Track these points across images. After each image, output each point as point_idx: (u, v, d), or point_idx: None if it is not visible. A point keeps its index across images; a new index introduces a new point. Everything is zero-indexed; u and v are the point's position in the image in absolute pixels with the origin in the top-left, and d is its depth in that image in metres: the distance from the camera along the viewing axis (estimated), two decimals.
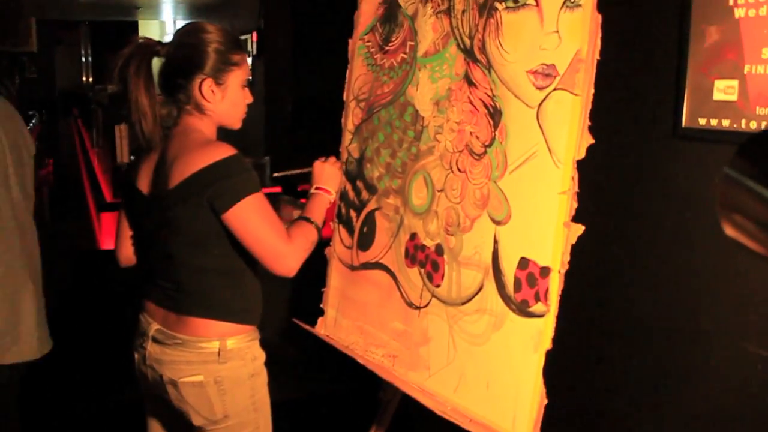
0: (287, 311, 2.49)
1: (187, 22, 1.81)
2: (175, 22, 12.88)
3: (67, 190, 7.58)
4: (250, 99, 1.75)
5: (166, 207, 1.62)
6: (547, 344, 1.56)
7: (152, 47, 1.68)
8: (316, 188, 1.91)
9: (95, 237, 4.03)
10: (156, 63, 1.72)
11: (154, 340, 1.69)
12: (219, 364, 1.63)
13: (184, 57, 1.67)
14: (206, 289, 1.66)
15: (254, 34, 8.03)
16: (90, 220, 4.17)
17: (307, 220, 1.77)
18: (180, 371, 1.64)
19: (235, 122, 1.75)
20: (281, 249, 1.61)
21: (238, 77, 1.69)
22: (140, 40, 1.70)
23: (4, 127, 2.08)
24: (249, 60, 1.70)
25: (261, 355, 1.73)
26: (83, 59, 14.97)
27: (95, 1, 9.64)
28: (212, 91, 1.66)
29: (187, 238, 1.63)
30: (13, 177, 2.08)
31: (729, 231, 0.64)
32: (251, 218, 1.58)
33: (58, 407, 2.97)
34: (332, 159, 2.00)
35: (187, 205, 1.59)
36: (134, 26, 13.79)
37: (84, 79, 14.91)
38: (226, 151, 1.59)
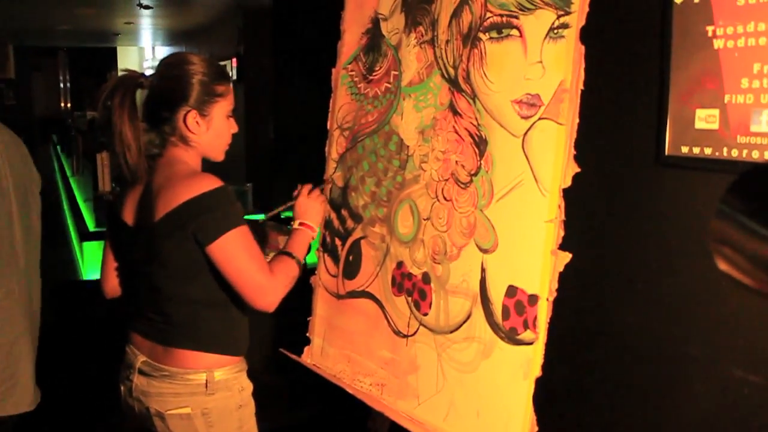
0: (273, 340, 2.47)
1: (169, 52, 1.82)
2: (153, 49, 12.89)
3: (46, 219, 7.49)
4: (235, 129, 1.77)
5: (152, 239, 1.62)
6: (537, 371, 1.56)
7: (135, 79, 1.68)
8: (300, 224, 1.91)
9: (77, 267, 3.99)
10: (140, 93, 1.71)
11: (141, 372, 1.68)
12: (206, 395, 1.63)
13: (168, 89, 1.68)
14: (194, 321, 1.66)
15: (234, 60, 8.07)
16: (72, 250, 4.13)
17: (289, 255, 1.77)
18: (167, 403, 1.64)
19: (219, 154, 1.77)
20: (262, 283, 1.61)
21: (222, 108, 1.71)
22: (123, 72, 1.71)
23: (8, 158, 1.93)
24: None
25: (248, 386, 1.73)
26: (61, 85, 14.92)
27: (73, 28, 9.63)
28: (197, 123, 1.67)
29: (174, 271, 1.63)
30: (16, 215, 1.92)
31: (722, 266, 0.65)
32: (234, 252, 1.59)
33: None
34: (315, 193, 1.96)
35: (173, 238, 1.59)
36: (113, 52, 13.80)
37: (62, 105, 14.85)
38: (211, 183, 1.59)
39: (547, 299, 1.54)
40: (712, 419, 1.44)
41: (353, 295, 2.10)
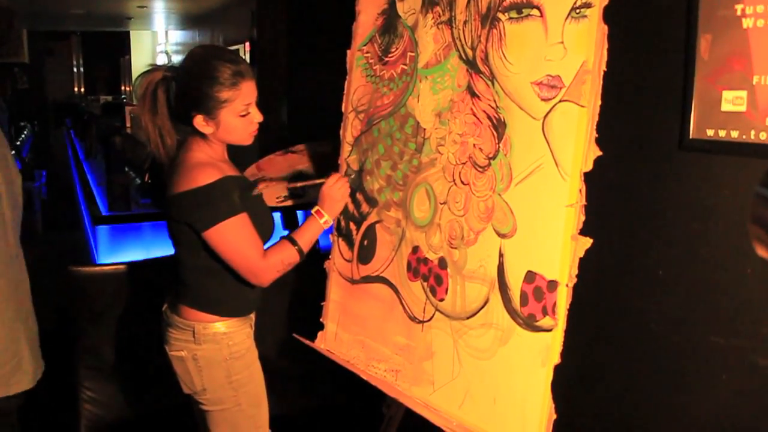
0: (287, 325, 2.46)
1: (182, 36, 1.92)
2: (167, 33, 12.86)
3: (60, 202, 7.51)
4: (258, 118, 1.90)
5: (165, 211, 1.91)
6: (556, 359, 1.53)
7: (156, 76, 1.87)
8: (317, 210, 2.02)
9: (90, 250, 3.99)
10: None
11: (162, 319, 1.99)
12: (195, 344, 1.90)
13: (181, 94, 1.86)
14: (194, 283, 1.92)
15: (247, 44, 8.03)
16: (85, 233, 4.13)
17: (292, 241, 1.93)
18: (171, 346, 1.94)
19: (241, 141, 1.92)
20: (254, 265, 1.86)
21: (232, 110, 1.83)
22: (147, 69, 1.92)
23: None
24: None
25: (241, 342, 1.94)
26: (75, 70, 14.92)
27: (86, 11, 9.61)
28: (205, 123, 1.85)
29: (180, 242, 1.90)
30: (4, 196, 1.91)
31: (761, 251, 0.62)
32: (226, 239, 1.82)
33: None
34: (342, 182, 2.05)
35: (173, 220, 1.88)
36: (126, 37, 13.77)
37: (76, 89, 14.86)
38: (207, 177, 1.79)
39: (567, 285, 1.51)
40: (736, 409, 1.41)
41: (368, 280, 2.07)
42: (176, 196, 1.82)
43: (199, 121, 1.84)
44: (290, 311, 2.72)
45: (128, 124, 6.03)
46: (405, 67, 1.97)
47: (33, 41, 11.12)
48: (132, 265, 2.70)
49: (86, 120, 7.93)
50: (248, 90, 1.85)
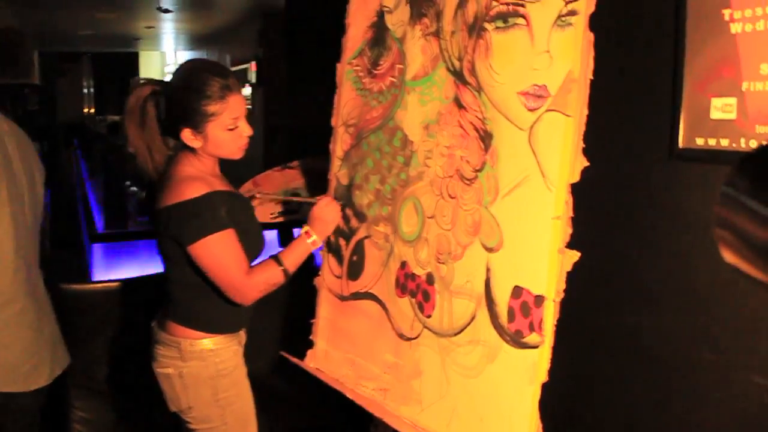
0: (278, 343, 2.42)
1: (190, 56, 1.94)
2: (175, 53, 12.95)
3: (67, 221, 7.51)
4: (247, 132, 1.87)
5: (153, 225, 1.89)
6: (543, 376, 1.48)
7: (145, 90, 1.87)
8: (306, 230, 1.99)
9: (87, 268, 3.97)
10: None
11: (150, 336, 1.95)
12: (181, 361, 1.87)
13: (169, 108, 1.85)
14: (180, 299, 1.90)
15: (253, 64, 8.06)
16: (83, 251, 4.13)
17: (278, 262, 1.89)
18: (158, 362, 1.91)
19: (230, 155, 1.90)
20: (237, 283, 1.83)
21: (219, 124, 1.82)
22: (140, 82, 1.94)
23: (19, 150, 2.07)
24: (246, 91, 1.69)
25: (229, 359, 1.91)
26: (85, 90, 15.02)
27: (95, 32, 9.69)
28: (193, 137, 1.83)
29: (168, 256, 1.88)
30: (28, 201, 2.08)
31: (727, 256, 0.58)
32: (210, 255, 1.79)
33: None
34: (334, 204, 2.03)
35: (160, 234, 1.85)
36: (135, 57, 13.89)
37: (86, 110, 14.95)
38: (194, 191, 1.78)
39: (554, 300, 1.46)
40: (729, 427, 1.35)
41: (357, 296, 2.03)
42: (163, 210, 1.80)
43: (186, 135, 1.83)
44: (282, 328, 2.67)
45: None
46: (393, 80, 1.94)
47: (45, 62, 11.22)
48: (124, 283, 2.67)
49: (91, 139, 7.96)
50: (236, 104, 1.84)
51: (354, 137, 2.08)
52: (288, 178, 2.54)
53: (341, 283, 2.10)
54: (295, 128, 4.50)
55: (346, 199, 2.07)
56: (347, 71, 2.13)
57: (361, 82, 2.07)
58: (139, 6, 8.06)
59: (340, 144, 2.13)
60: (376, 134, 1.99)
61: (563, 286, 1.45)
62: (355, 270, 2.04)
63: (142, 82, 1.93)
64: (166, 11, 7.94)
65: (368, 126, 2.02)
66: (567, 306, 1.46)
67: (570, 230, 1.45)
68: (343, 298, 2.09)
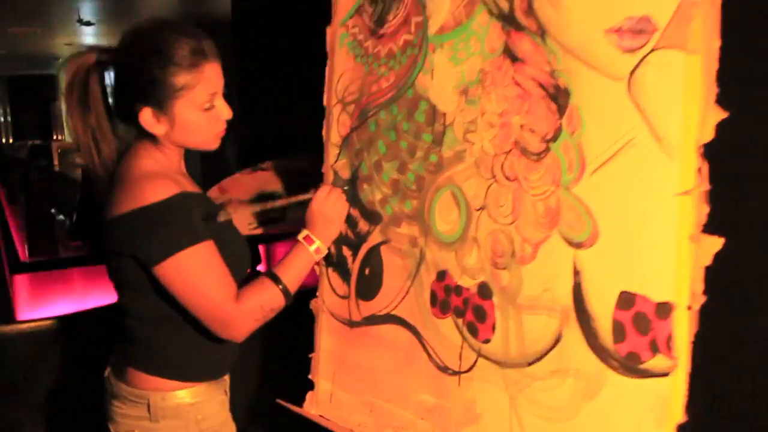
0: (261, 387, 1.96)
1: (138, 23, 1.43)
2: None
3: None
4: (226, 115, 1.44)
5: (102, 243, 1.43)
6: (678, 416, 1.06)
7: (86, 61, 1.42)
8: (305, 235, 1.54)
9: (11, 305, 3.46)
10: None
11: (105, 388, 1.54)
12: (151, 421, 1.45)
13: (121, 82, 1.41)
14: (143, 338, 1.47)
15: None
16: (4, 285, 3.62)
17: (275, 279, 1.47)
18: (117, 424, 1.50)
19: (204, 144, 1.47)
20: (223, 312, 1.39)
21: (190, 102, 1.38)
22: (75, 53, 1.45)
23: None
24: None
25: (215, 415, 1.50)
26: (2, 119, 14.27)
27: (9, 51, 9.01)
28: (155, 120, 1.40)
29: (123, 282, 1.45)
30: None
31: None
32: (185, 277, 1.36)
33: None
34: (336, 195, 1.58)
35: (112, 252, 1.41)
36: (55, 80, 13.16)
37: (3, 139, 14.17)
38: (159, 192, 1.35)
39: (689, 308, 1.05)
40: None
41: (373, 321, 1.58)
42: (116, 220, 1.36)
43: (146, 117, 1.39)
44: (262, 366, 2.20)
45: (56, 162, 5.52)
46: (409, 37, 1.51)
47: None
48: (61, 320, 2.20)
49: (9, 164, 7.36)
50: (212, 75, 1.40)
51: (356, 117, 1.63)
52: (261, 181, 2.07)
53: (349, 305, 1.64)
54: (272, 115, 4.03)
55: (349, 196, 1.62)
56: (341, 35, 1.68)
57: (362, 46, 1.63)
58: (57, 18, 7.44)
59: (335, 128, 1.68)
60: (389, 109, 1.55)
61: (702, 286, 1.04)
62: (368, 287, 1.59)
63: (83, 50, 1.45)
64: (88, 24, 7.36)
65: (375, 100, 1.58)
66: (705, 315, 1.05)
67: (707, 209, 1.04)
68: (353, 324, 1.63)
